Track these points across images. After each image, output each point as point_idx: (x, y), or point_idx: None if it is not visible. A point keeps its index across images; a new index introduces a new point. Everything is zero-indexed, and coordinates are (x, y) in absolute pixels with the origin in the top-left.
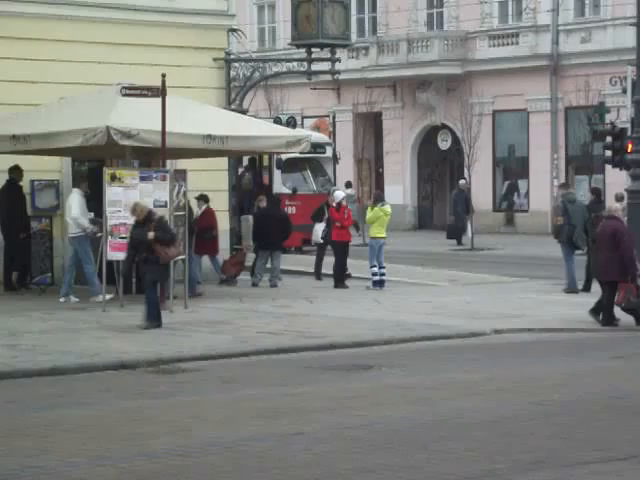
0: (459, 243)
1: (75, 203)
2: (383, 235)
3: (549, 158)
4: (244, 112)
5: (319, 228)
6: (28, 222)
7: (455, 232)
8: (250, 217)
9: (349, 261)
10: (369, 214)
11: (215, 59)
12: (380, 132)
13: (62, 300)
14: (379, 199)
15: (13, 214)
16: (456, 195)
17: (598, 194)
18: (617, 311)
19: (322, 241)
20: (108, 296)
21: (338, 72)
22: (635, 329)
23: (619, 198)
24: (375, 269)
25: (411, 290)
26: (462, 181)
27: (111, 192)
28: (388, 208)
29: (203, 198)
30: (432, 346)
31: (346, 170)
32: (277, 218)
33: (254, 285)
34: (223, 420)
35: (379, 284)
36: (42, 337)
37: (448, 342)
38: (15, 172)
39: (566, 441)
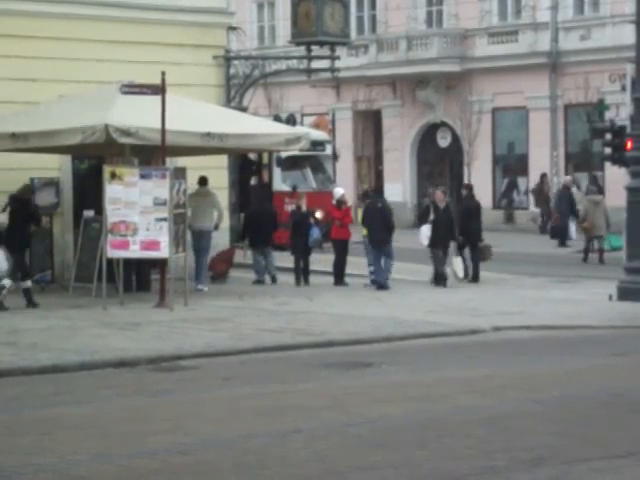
0: (562, 244)
1: None
2: None
3: (549, 155)
4: (244, 110)
5: (425, 230)
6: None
7: (558, 233)
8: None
9: (349, 259)
10: (360, 215)
11: (215, 57)
12: (380, 130)
13: (199, 287)
14: (368, 198)
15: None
16: (560, 192)
17: (470, 189)
18: None
19: (426, 244)
20: (205, 288)
21: (338, 70)
22: (634, 326)
23: (594, 192)
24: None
25: (410, 287)
26: (568, 177)
27: (111, 190)
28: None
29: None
30: (431, 343)
31: (346, 168)
32: (267, 214)
33: (259, 282)
34: (223, 417)
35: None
36: (42, 335)
37: (447, 339)
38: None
39: (565, 438)
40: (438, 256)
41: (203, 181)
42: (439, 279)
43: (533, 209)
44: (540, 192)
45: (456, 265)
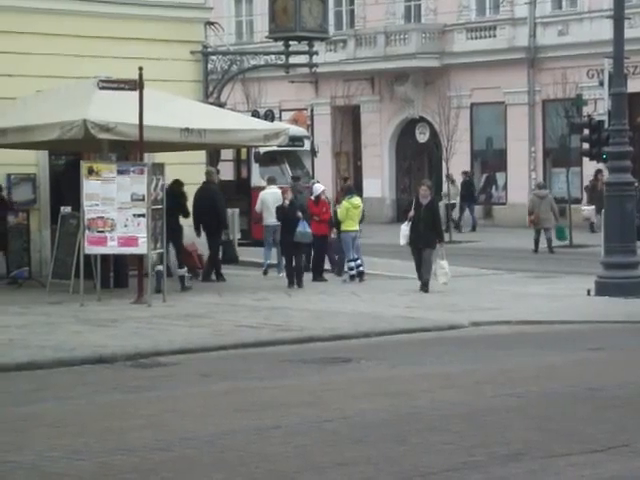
0: None
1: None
2: (355, 228)
3: (527, 151)
4: (222, 105)
5: (404, 228)
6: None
7: None
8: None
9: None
10: (339, 211)
11: (192, 52)
12: (358, 125)
13: (280, 275)
14: (348, 192)
15: (209, 213)
16: None
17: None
18: None
19: (403, 243)
20: (281, 274)
21: (316, 65)
22: (612, 321)
23: (541, 186)
24: (352, 263)
25: (389, 283)
26: None
27: (88, 186)
28: (356, 200)
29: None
30: (410, 339)
31: (324, 163)
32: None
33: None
34: (202, 414)
35: (358, 276)
36: (19, 331)
37: (426, 335)
38: (209, 175)
39: (544, 433)
40: (414, 257)
41: (271, 180)
42: (422, 284)
43: (585, 207)
44: (594, 189)
45: (439, 269)
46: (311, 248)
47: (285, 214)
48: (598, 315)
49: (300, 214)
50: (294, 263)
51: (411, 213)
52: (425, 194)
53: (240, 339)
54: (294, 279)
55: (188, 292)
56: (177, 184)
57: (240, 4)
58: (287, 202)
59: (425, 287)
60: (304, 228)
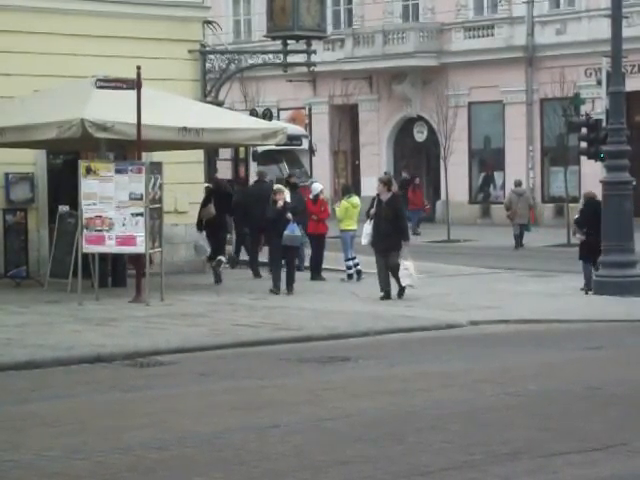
0: None
1: None
2: (354, 227)
3: (524, 150)
4: (220, 104)
5: (367, 226)
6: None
7: None
8: None
9: (325, 253)
10: (338, 210)
11: (190, 51)
12: (356, 124)
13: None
14: (346, 191)
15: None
16: None
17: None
18: None
19: (364, 242)
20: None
21: (314, 64)
22: (610, 320)
23: (518, 184)
24: (350, 262)
25: None
26: None
27: (86, 185)
28: (355, 200)
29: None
30: (409, 338)
31: (322, 162)
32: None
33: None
34: (200, 413)
35: (356, 275)
36: (18, 330)
37: (425, 334)
38: (262, 175)
39: (542, 432)
40: (377, 259)
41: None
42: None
43: None
44: None
45: (402, 270)
46: (298, 250)
47: (280, 215)
48: (596, 314)
49: (290, 216)
50: (285, 267)
51: (372, 210)
52: (380, 190)
53: (238, 338)
54: (279, 284)
55: (215, 286)
56: (219, 184)
57: (238, 3)
58: (281, 203)
59: (401, 293)
60: (293, 231)
